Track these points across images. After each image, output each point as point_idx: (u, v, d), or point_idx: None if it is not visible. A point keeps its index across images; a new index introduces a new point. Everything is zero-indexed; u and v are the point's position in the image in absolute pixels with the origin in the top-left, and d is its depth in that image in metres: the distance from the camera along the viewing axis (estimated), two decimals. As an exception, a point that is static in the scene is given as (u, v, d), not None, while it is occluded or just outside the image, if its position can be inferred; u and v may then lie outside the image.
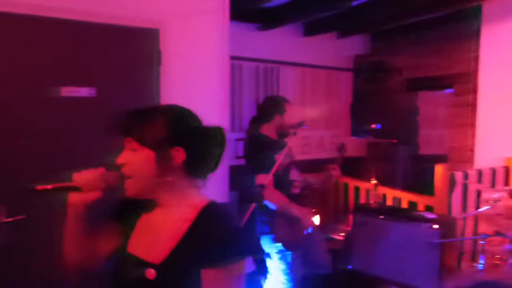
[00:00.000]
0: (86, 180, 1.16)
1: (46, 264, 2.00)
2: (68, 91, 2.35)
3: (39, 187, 1.16)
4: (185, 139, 1.17)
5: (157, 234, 1.19)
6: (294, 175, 2.88)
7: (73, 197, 1.18)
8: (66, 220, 1.21)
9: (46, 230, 2.26)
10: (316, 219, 2.79)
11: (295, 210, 2.68)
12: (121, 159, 1.19)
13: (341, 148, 3.04)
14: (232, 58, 3.02)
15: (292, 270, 2.79)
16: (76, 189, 1.17)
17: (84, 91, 2.40)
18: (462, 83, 3.87)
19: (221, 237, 1.13)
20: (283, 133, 2.83)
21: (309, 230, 2.72)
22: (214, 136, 1.23)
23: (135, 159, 1.17)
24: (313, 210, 2.78)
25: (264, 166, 2.62)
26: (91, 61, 2.42)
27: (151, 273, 1.12)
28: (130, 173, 1.17)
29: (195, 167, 1.21)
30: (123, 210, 1.31)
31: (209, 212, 1.18)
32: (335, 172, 2.98)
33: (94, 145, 2.43)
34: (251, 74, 3.62)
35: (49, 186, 1.16)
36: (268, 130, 2.83)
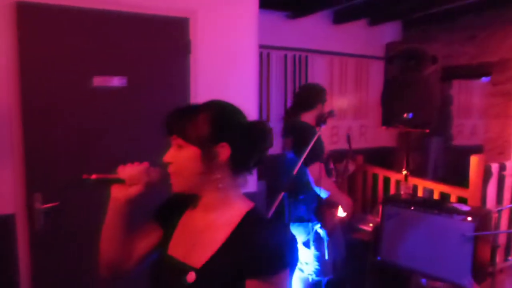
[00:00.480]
0: (130, 174, 1.16)
1: (80, 252, 2.07)
2: (100, 81, 2.40)
3: (84, 176, 1.15)
4: (229, 134, 1.15)
5: (198, 237, 1.18)
6: (331, 164, 2.95)
7: (116, 190, 1.18)
8: (106, 214, 1.19)
9: (79, 217, 2.35)
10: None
11: (344, 198, 2.82)
12: (168, 157, 1.18)
13: (348, 140, 3.03)
14: (261, 46, 3.00)
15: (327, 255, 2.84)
16: (120, 181, 1.17)
17: (115, 81, 2.44)
18: (500, 72, 3.72)
19: (265, 246, 1.09)
20: (319, 121, 2.84)
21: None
22: (258, 130, 1.21)
23: (181, 157, 1.15)
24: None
25: (318, 154, 2.67)
26: (121, 51, 2.45)
27: (191, 276, 1.11)
28: (176, 170, 1.16)
29: (240, 162, 1.19)
30: (165, 210, 1.31)
31: (254, 218, 1.16)
32: (351, 165, 3.08)
33: (124, 135, 2.49)
34: (279, 63, 3.59)
35: (93, 176, 1.15)
36: (308, 118, 2.87)
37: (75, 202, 2.32)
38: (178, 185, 1.17)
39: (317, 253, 2.81)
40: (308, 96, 2.92)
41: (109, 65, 2.43)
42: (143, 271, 1.26)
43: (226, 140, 1.14)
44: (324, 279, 2.88)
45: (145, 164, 1.19)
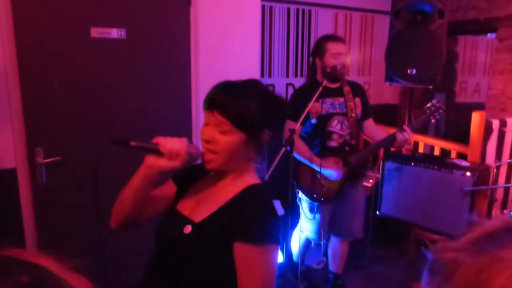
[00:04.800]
0: (172, 149, 1.13)
1: (82, 205, 2.11)
2: (98, 32, 2.35)
3: (128, 142, 1.10)
4: (274, 122, 1.22)
5: (205, 197, 1.25)
6: (335, 127, 2.67)
7: (152, 161, 1.15)
8: (134, 176, 1.18)
9: (81, 171, 2.36)
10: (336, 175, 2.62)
11: (316, 163, 2.57)
12: (209, 136, 1.17)
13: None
14: (263, -1, 2.91)
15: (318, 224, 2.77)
16: (158, 153, 1.13)
17: (114, 32, 2.39)
18: (507, 27, 3.62)
19: (256, 216, 1.16)
20: (334, 75, 2.56)
21: (336, 177, 2.62)
22: (285, 109, 1.30)
23: (226, 140, 1.16)
24: (341, 163, 2.64)
25: (294, 113, 2.44)
26: (120, 1, 2.38)
27: (188, 228, 1.18)
28: (217, 150, 1.17)
29: (270, 143, 1.25)
30: (185, 173, 1.35)
31: (254, 191, 1.23)
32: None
33: (124, 88, 2.46)
34: (282, 17, 3.50)
35: (133, 143, 1.11)
36: (319, 76, 2.67)
37: (76, 156, 2.33)
38: (214, 164, 1.20)
39: (310, 215, 2.78)
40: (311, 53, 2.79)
41: (107, 15, 2.37)
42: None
43: (270, 127, 1.21)
44: (320, 243, 2.90)
45: (185, 141, 1.16)
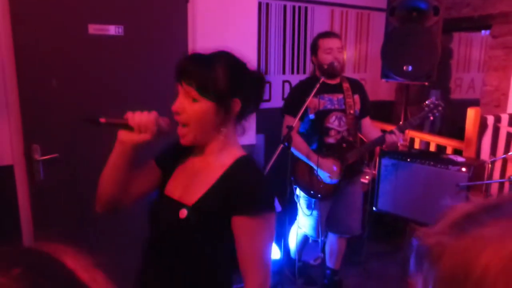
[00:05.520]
0: (140, 121, 1.15)
1: (80, 201, 2.11)
2: (96, 29, 2.34)
3: (99, 119, 1.13)
4: (243, 90, 1.19)
5: (193, 179, 1.24)
6: (333, 123, 2.66)
7: (124, 135, 1.17)
8: (111, 155, 1.20)
9: (79, 169, 2.36)
10: (333, 175, 2.62)
11: (313, 160, 2.58)
12: (178, 107, 1.18)
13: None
14: (260, -4, 2.91)
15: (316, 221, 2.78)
16: (128, 127, 1.15)
17: (112, 29, 2.38)
18: (501, 24, 3.66)
19: (250, 187, 1.17)
20: (331, 71, 2.56)
21: (332, 181, 2.63)
22: (262, 82, 1.26)
23: (194, 109, 1.16)
24: (338, 166, 2.64)
25: (293, 109, 2.50)
26: (118, -2, 2.38)
27: (183, 213, 1.17)
28: (187, 121, 1.17)
29: (245, 114, 1.24)
30: (166, 153, 1.35)
31: (243, 163, 1.22)
32: None
33: (122, 85, 2.46)
34: (279, 14, 3.50)
35: (102, 120, 1.13)
36: (318, 73, 2.68)
37: (74, 153, 2.33)
38: (188, 137, 1.20)
39: (307, 212, 2.78)
40: None
41: (105, 12, 2.36)
42: (143, 211, 1.31)
43: (239, 95, 1.17)
44: (318, 239, 2.92)
45: (154, 113, 1.17)
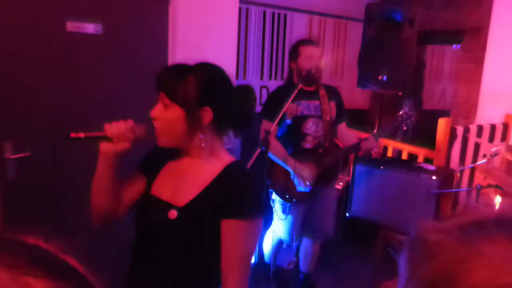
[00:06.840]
0: (117, 132, 1.19)
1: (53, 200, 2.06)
2: (73, 27, 2.30)
3: (72, 135, 1.18)
4: (213, 100, 1.21)
5: (183, 180, 1.26)
6: (310, 129, 2.69)
7: (104, 147, 1.21)
8: (96, 168, 1.24)
9: (50, 168, 2.31)
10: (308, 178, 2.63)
11: (290, 165, 2.59)
12: (154, 113, 1.22)
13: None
14: (240, 1, 2.94)
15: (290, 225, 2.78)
16: (107, 139, 1.20)
17: (90, 27, 2.35)
18: (471, 39, 3.81)
19: (242, 192, 1.21)
20: (309, 78, 2.59)
21: (306, 189, 2.65)
22: (241, 96, 1.27)
23: (166, 115, 1.20)
24: (314, 172, 2.65)
25: (270, 114, 2.50)
26: (97, -4, 2.35)
27: (173, 214, 1.20)
28: (161, 127, 1.22)
29: (223, 125, 1.26)
30: (149, 159, 1.37)
31: (235, 168, 1.26)
32: None
33: (99, 84, 2.42)
34: (258, 19, 3.54)
35: (81, 135, 1.18)
36: (295, 79, 2.69)
37: (46, 152, 2.27)
38: (162, 140, 1.24)
39: (282, 216, 2.78)
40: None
41: (83, 9, 2.33)
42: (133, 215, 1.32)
43: (210, 105, 1.20)
44: (291, 243, 2.94)
45: (130, 122, 1.21)
